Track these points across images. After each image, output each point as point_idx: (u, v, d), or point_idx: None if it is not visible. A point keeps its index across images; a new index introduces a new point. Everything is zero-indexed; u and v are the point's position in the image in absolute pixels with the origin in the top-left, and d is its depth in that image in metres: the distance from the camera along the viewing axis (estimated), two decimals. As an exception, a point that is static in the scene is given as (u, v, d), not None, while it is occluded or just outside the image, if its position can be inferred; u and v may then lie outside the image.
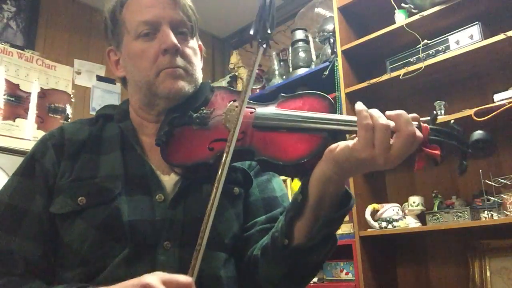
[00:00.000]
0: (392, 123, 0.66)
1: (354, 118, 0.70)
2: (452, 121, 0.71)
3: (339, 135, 0.74)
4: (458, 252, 2.13)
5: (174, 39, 0.87)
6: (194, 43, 0.95)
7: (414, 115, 0.69)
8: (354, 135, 0.69)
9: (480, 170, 1.92)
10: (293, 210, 0.76)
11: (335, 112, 0.78)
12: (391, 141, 0.65)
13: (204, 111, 0.88)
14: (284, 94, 0.87)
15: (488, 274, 1.99)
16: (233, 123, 0.76)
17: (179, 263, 0.80)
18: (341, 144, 0.69)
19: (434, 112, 0.71)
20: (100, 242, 0.80)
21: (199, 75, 0.95)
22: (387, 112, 0.68)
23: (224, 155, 0.73)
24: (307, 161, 0.72)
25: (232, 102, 0.88)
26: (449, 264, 2.18)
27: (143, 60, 0.89)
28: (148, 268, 0.77)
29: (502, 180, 1.91)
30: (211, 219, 0.70)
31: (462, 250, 2.10)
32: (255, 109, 0.85)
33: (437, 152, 0.67)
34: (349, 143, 0.68)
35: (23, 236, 0.82)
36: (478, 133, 0.70)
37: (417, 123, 0.68)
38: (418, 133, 0.66)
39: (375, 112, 0.68)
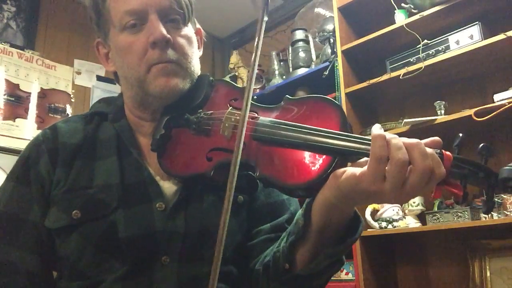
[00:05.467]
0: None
1: (369, 139, 0.61)
2: (481, 145, 0.60)
3: (350, 158, 0.67)
4: (458, 252, 2.13)
5: (163, 30, 0.79)
6: (188, 30, 0.86)
7: (436, 139, 0.59)
8: (364, 159, 0.62)
9: (480, 170, 1.91)
10: (294, 234, 0.70)
11: (346, 124, 0.69)
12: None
13: (202, 114, 0.81)
14: (289, 97, 0.78)
15: (488, 274, 1.99)
16: (234, 137, 0.68)
17: (176, 279, 0.76)
18: (348, 172, 0.61)
19: (460, 135, 0.59)
20: (97, 258, 0.76)
21: (196, 67, 0.86)
22: (404, 140, 0.58)
23: (230, 176, 0.63)
24: (315, 185, 0.65)
25: (232, 101, 0.81)
26: (449, 264, 2.17)
27: (131, 55, 0.81)
28: (145, 284, 0.74)
29: (502, 180, 1.90)
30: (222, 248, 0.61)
31: (462, 250, 2.10)
32: (257, 114, 0.77)
33: (459, 192, 0.58)
34: (357, 171, 0.59)
35: (22, 248, 0.79)
36: (508, 170, 0.59)
37: (438, 150, 0.58)
38: (438, 167, 0.56)
39: (394, 141, 0.58)
